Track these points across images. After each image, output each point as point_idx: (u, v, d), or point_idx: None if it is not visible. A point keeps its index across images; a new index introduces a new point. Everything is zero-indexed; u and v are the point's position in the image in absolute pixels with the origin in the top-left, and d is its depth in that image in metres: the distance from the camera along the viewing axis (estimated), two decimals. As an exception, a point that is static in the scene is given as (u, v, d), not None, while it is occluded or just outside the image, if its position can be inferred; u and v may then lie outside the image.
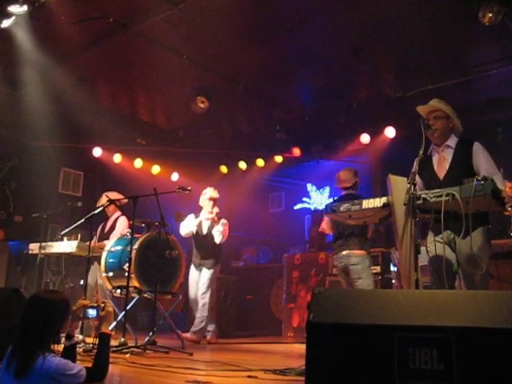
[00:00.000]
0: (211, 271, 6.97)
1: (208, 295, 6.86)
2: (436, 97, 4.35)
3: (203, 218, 7.13)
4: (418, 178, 3.89)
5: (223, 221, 7.13)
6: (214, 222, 7.05)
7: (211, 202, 7.20)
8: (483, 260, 3.81)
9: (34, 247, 7.17)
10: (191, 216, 7.23)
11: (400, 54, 7.39)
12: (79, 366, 2.88)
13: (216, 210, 7.16)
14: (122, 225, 7.01)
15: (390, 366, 1.89)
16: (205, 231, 7.13)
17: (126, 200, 6.74)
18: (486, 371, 1.85)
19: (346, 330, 1.95)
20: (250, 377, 3.50)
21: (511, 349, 1.83)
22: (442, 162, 4.16)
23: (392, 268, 6.98)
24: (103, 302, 3.38)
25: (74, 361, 3.01)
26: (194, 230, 7.10)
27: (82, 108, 8.80)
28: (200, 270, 7.02)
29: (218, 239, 6.98)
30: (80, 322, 5.17)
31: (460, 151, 4.11)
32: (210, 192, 7.27)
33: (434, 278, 3.96)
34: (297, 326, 8.33)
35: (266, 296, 9.65)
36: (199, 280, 6.96)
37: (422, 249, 3.82)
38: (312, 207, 12.30)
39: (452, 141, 4.18)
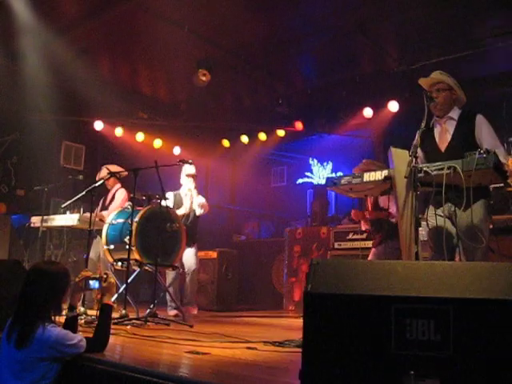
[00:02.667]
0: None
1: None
2: (440, 70, 4.32)
3: (182, 193, 7.04)
4: (419, 151, 3.86)
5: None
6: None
7: (190, 179, 7.07)
8: (483, 233, 3.81)
9: (35, 220, 7.19)
10: (170, 195, 7.03)
11: (404, 27, 7.30)
12: (79, 336, 2.90)
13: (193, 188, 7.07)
14: (121, 197, 7.02)
15: (387, 337, 1.89)
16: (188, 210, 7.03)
17: (126, 173, 6.72)
18: (483, 342, 1.85)
19: (343, 300, 1.95)
20: (249, 348, 3.52)
21: (508, 320, 1.83)
22: (444, 133, 4.13)
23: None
24: (105, 274, 3.40)
25: (74, 332, 3.03)
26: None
27: (84, 81, 8.72)
28: None
29: (198, 212, 6.96)
30: (82, 295, 5.19)
31: (462, 123, 4.08)
32: (186, 169, 7.10)
33: (434, 251, 3.97)
34: (298, 299, 8.38)
35: (267, 270, 9.69)
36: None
37: (423, 223, 3.82)
38: (314, 181, 12.29)
39: (455, 113, 4.15)
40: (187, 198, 6.99)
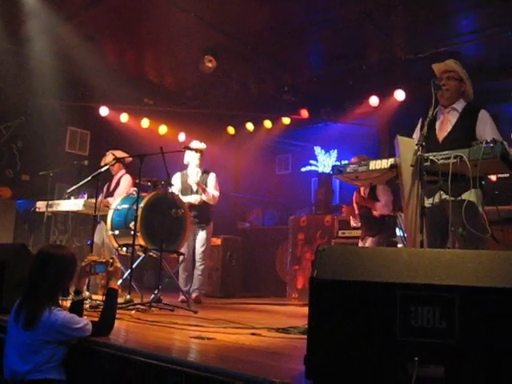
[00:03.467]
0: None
1: None
2: (449, 59, 4.29)
3: (189, 172, 6.90)
4: (418, 137, 3.85)
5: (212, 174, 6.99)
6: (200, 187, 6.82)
7: (198, 154, 6.88)
8: (478, 222, 3.78)
9: (41, 205, 7.21)
10: (176, 176, 6.89)
11: (412, 15, 7.24)
12: (85, 320, 2.93)
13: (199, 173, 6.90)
14: (126, 183, 7.03)
15: (392, 324, 1.90)
16: (194, 188, 6.88)
17: (130, 158, 6.73)
18: (488, 330, 1.86)
19: (349, 286, 1.96)
20: (253, 334, 3.54)
21: (514, 308, 1.83)
22: (445, 124, 4.13)
23: (398, 232, 6.97)
24: (111, 258, 3.42)
25: (80, 316, 3.05)
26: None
27: (90, 66, 8.72)
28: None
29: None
30: (87, 280, 5.22)
31: (465, 116, 4.08)
32: (193, 144, 6.89)
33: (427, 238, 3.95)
34: (301, 287, 8.41)
35: (271, 258, 9.71)
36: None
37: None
38: (319, 170, 12.27)
39: (459, 104, 4.15)
40: (194, 184, 6.83)
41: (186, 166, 6.98)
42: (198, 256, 6.81)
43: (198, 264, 6.82)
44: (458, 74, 4.14)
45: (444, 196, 3.85)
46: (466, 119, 4.05)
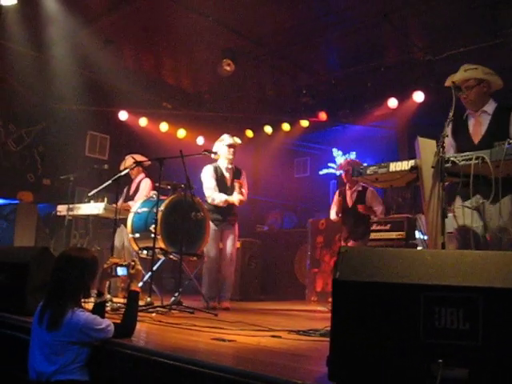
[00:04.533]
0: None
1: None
2: (467, 60, 4.23)
3: (222, 167, 6.46)
4: (448, 141, 3.81)
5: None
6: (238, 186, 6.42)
7: (231, 150, 6.47)
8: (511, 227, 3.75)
9: (61, 209, 7.29)
10: (209, 170, 6.42)
11: (430, 16, 7.20)
12: (107, 321, 2.95)
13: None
14: (147, 186, 7.07)
15: (416, 325, 1.88)
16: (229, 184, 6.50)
17: (150, 162, 6.78)
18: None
19: (372, 287, 1.95)
20: (273, 336, 3.54)
21: (540, 310, 1.81)
22: (478, 126, 4.06)
23: (417, 234, 6.94)
24: (133, 261, 3.43)
25: (102, 317, 3.08)
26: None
27: (108, 71, 8.80)
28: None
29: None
30: (108, 283, 5.25)
31: (497, 117, 4.00)
32: (227, 139, 6.51)
33: (460, 243, 3.93)
34: (320, 290, 8.39)
35: (289, 261, 9.70)
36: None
37: (449, 215, 3.79)
38: (337, 172, 12.22)
39: (489, 106, 4.06)
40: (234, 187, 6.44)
41: (200, 167, 6.67)
42: (229, 256, 6.40)
43: (228, 265, 6.42)
44: (475, 79, 4.05)
45: (481, 200, 3.81)
46: (499, 120, 3.97)
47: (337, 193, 7.31)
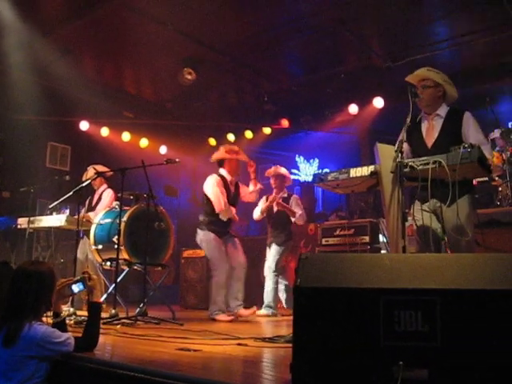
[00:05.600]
0: None
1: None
2: (426, 66, 4.33)
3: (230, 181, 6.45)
4: (406, 146, 3.90)
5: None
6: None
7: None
8: (469, 227, 3.85)
9: (22, 222, 7.15)
10: (220, 185, 6.33)
11: (388, 23, 7.35)
12: (67, 334, 2.91)
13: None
14: (109, 197, 7.00)
15: (376, 329, 1.92)
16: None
17: (112, 173, 6.72)
18: (469, 332, 1.89)
19: (332, 293, 1.98)
20: (239, 344, 3.54)
21: (494, 310, 1.86)
22: (431, 130, 4.16)
23: (381, 238, 7.04)
24: (85, 273, 3.33)
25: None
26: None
27: (68, 81, 8.69)
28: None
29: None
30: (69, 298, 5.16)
31: (450, 120, 4.10)
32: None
33: (421, 246, 4.01)
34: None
35: (256, 268, 9.68)
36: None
37: (409, 219, 3.86)
38: (301, 179, 12.32)
39: (442, 110, 4.17)
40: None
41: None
42: (243, 262, 6.40)
43: (243, 272, 6.37)
44: (433, 81, 4.15)
45: (438, 204, 3.89)
46: (451, 124, 4.08)
47: (264, 198, 7.45)
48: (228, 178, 6.42)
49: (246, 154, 6.90)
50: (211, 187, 6.23)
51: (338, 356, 1.96)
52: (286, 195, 7.40)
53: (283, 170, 7.52)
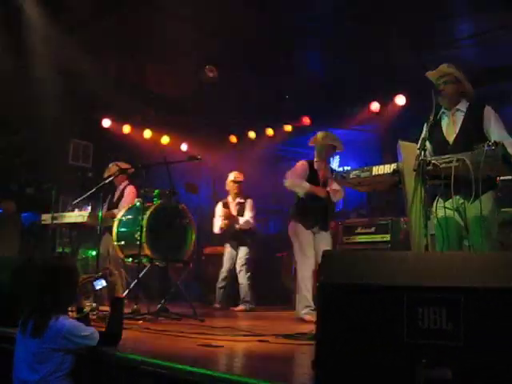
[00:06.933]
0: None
1: None
2: (451, 63, 4.30)
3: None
4: (427, 144, 3.87)
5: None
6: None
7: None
8: (492, 225, 3.80)
9: (46, 217, 7.23)
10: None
11: (412, 19, 7.28)
12: (92, 329, 2.94)
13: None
14: (130, 194, 7.04)
15: (399, 326, 1.91)
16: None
17: (133, 169, 6.77)
18: (493, 331, 1.87)
19: (356, 290, 1.98)
20: (261, 341, 3.55)
21: (519, 308, 1.84)
22: (452, 125, 4.12)
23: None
24: (106, 268, 3.39)
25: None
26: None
27: (91, 78, 8.76)
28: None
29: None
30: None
31: (470, 115, 4.07)
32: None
33: (443, 244, 3.97)
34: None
35: (276, 265, 9.69)
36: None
37: (431, 217, 3.83)
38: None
39: (463, 105, 4.14)
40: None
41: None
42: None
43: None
44: (454, 76, 4.13)
45: (461, 201, 3.86)
46: (472, 118, 4.04)
47: (220, 204, 7.68)
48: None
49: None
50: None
51: (361, 352, 1.96)
52: (242, 200, 7.83)
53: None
